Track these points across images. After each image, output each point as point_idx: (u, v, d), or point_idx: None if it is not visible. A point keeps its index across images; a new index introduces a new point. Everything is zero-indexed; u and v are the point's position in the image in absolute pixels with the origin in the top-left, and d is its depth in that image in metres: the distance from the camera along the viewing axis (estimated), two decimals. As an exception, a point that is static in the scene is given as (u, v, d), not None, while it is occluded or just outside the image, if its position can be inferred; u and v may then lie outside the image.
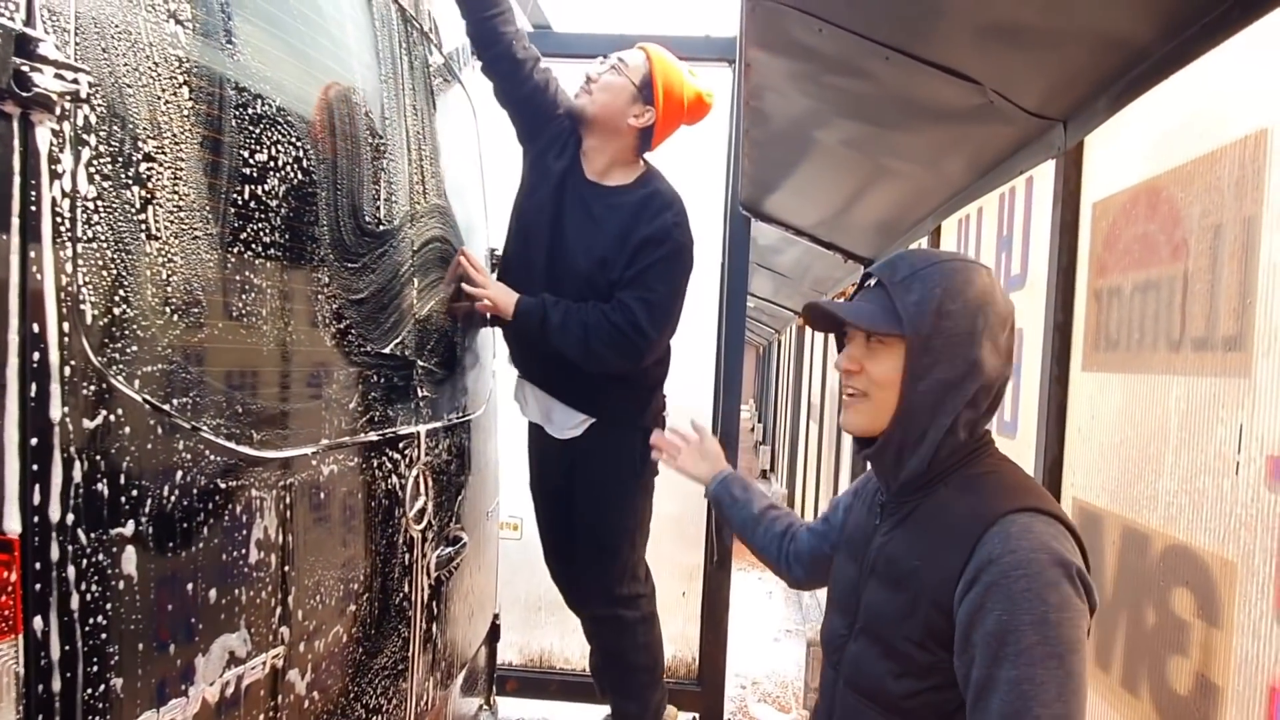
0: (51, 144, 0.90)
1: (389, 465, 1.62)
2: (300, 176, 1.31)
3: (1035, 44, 1.55)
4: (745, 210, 3.50)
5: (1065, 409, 1.79)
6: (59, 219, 0.90)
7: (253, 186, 1.20)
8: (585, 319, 2.27)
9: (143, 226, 1.01)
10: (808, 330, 7.91)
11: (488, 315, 2.28)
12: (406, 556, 1.72)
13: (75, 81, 0.91)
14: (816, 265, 5.24)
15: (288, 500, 1.28)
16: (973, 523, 1.13)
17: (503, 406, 2.62)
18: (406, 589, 1.72)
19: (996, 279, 1.24)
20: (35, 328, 0.88)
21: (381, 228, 1.59)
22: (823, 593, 1.89)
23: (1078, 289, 1.76)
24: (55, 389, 0.90)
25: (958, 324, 1.18)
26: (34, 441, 0.88)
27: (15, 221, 0.86)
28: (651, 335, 2.29)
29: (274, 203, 1.25)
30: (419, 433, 1.76)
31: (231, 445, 1.16)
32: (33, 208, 0.88)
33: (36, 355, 0.88)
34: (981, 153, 2.14)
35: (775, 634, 5.82)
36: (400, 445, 1.67)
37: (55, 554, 0.90)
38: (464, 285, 2.12)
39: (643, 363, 2.36)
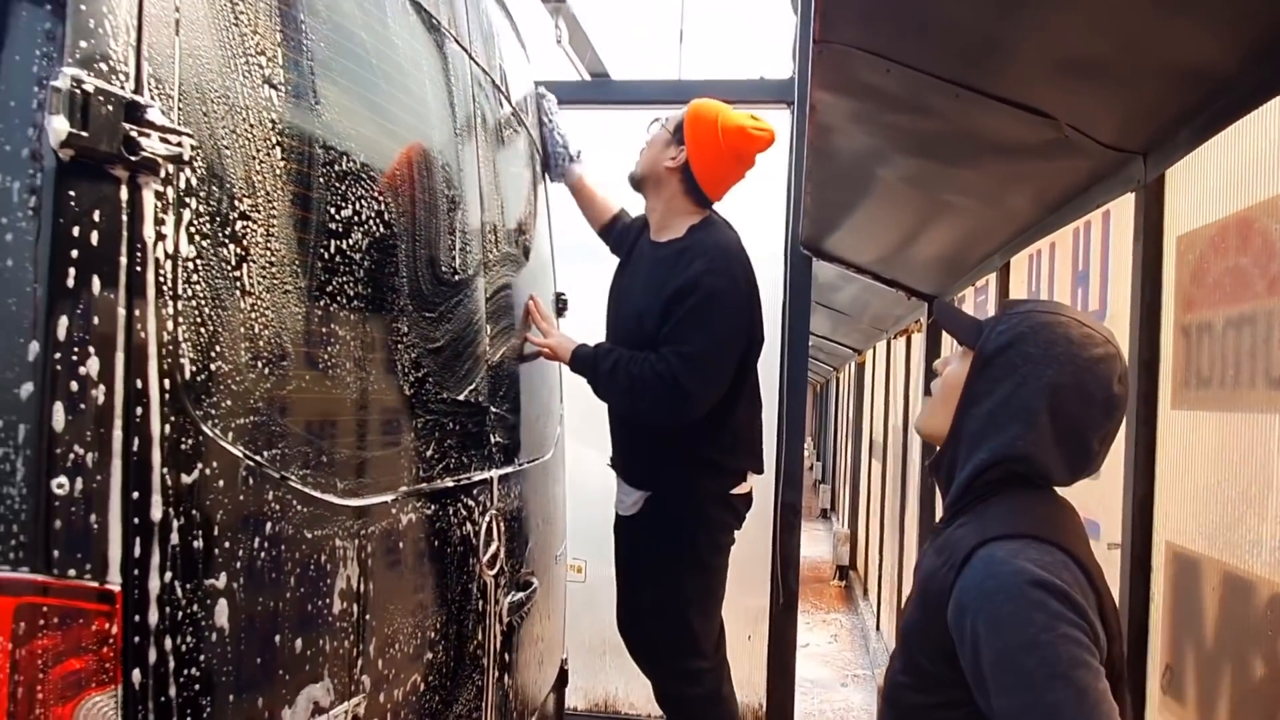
0: (156, 206, 0.93)
1: (464, 511, 1.62)
2: (382, 230, 1.34)
3: (1112, 77, 1.53)
4: (806, 250, 3.49)
5: (1154, 448, 1.73)
6: (161, 278, 0.93)
7: (338, 241, 1.23)
8: (632, 370, 2.27)
9: (237, 283, 1.04)
10: (868, 366, 7.81)
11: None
12: (480, 603, 1.72)
13: (179, 145, 0.94)
14: (876, 302, 5.19)
15: (369, 548, 1.29)
16: (965, 547, 1.13)
17: (568, 448, 2.63)
18: (480, 635, 1.72)
19: (1119, 368, 1.17)
20: (139, 384, 0.90)
21: (457, 277, 1.61)
22: (891, 637, 1.85)
23: (1163, 324, 1.70)
24: (156, 443, 0.92)
25: (1024, 366, 1.16)
26: (135, 495, 0.90)
27: (122, 281, 0.89)
28: (688, 388, 2.24)
29: (358, 256, 1.28)
30: (492, 478, 1.76)
31: (317, 494, 1.17)
32: (138, 268, 0.91)
33: (139, 410, 0.90)
34: (1051, 187, 2.10)
35: (843, 678, 5.68)
36: (474, 491, 1.67)
37: (153, 607, 0.92)
38: (529, 333, 2.16)
39: (685, 417, 2.32)
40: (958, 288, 3.42)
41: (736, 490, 2.54)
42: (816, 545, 9.91)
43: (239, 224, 1.05)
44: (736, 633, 3.65)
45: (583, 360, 2.31)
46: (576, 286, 3.09)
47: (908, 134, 2.12)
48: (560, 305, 2.49)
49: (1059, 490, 1.24)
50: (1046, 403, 1.15)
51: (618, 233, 2.68)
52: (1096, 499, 2.05)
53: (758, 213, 3.63)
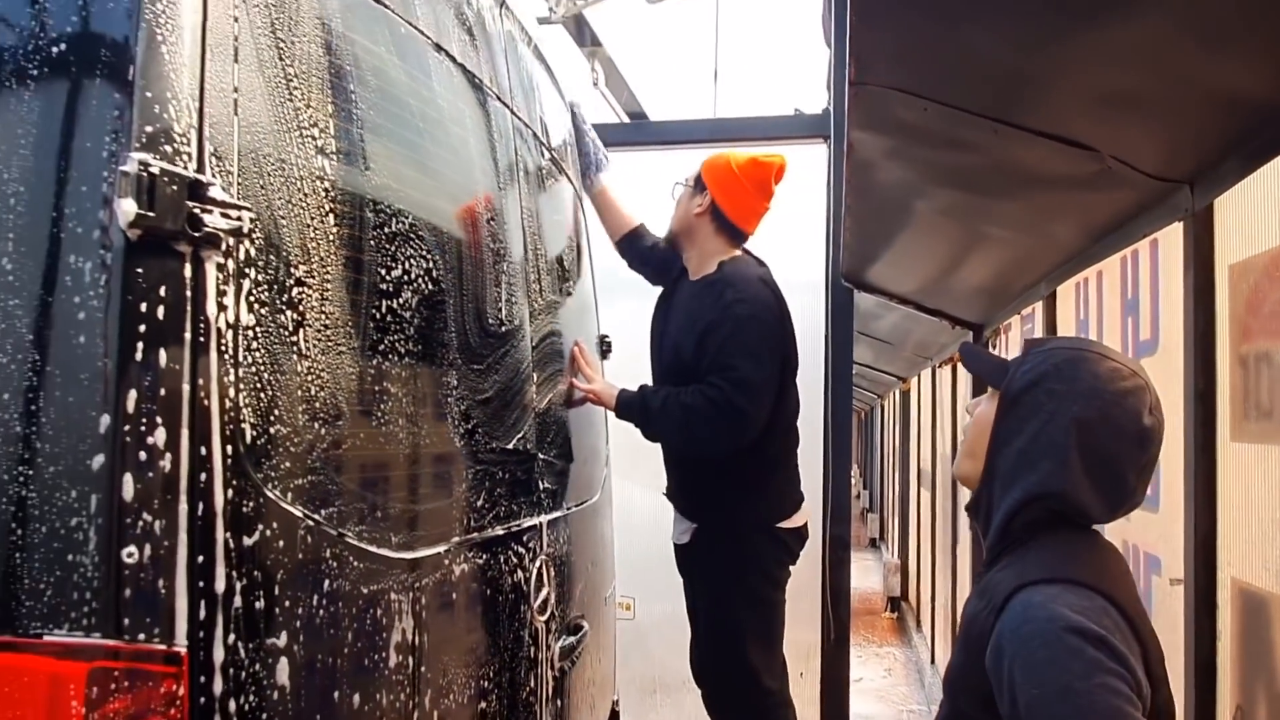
0: (217, 278, 0.96)
1: (514, 558, 1.64)
2: (431, 287, 1.37)
3: (1154, 109, 1.52)
4: (847, 282, 3.48)
5: (1214, 481, 1.68)
6: (223, 347, 0.96)
7: (389, 300, 1.26)
8: (684, 400, 2.32)
9: (294, 347, 1.07)
10: (913, 393, 7.72)
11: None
12: (531, 649, 1.72)
13: (239, 219, 0.98)
14: (918, 330, 5.14)
15: (423, 600, 1.31)
16: (1004, 591, 1.12)
17: (615, 484, 2.65)
18: (532, 682, 1.72)
19: (1149, 399, 1.16)
20: (203, 450, 0.93)
21: (504, 328, 1.64)
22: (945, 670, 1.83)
23: (1218, 355, 1.67)
24: (220, 507, 0.95)
25: (1050, 403, 1.16)
26: (200, 559, 0.92)
27: (186, 352, 0.93)
28: (742, 407, 2.29)
29: (408, 314, 1.31)
30: (541, 524, 1.78)
31: (372, 549, 1.19)
32: (201, 339, 0.94)
33: (204, 476, 0.93)
34: (1095, 217, 2.08)
35: (899, 715, 5.56)
36: (524, 537, 1.69)
37: (218, 667, 0.94)
38: (574, 379, 2.20)
39: (742, 438, 2.35)
40: (1003, 316, 3.38)
41: (786, 524, 2.55)
42: (866, 576, 9.75)
43: (295, 290, 1.08)
44: (788, 669, 3.61)
45: (628, 404, 2.35)
46: (621, 323, 3.12)
47: (945, 168, 2.12)
48: (604, 348, 2.51)
49: (1106, 528, 1.23)
50: (1075, 439, 1.14)
51: (637, 249, 2.77)
52: (1157, 534, 2.00)
53: (798, 246, 3.65)
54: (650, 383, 2.54)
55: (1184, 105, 1.46)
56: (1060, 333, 2.62)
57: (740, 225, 2.55)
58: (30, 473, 0.87)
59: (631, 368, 2.63)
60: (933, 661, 5.80)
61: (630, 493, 3.65)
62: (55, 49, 0.94)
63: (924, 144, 1.96)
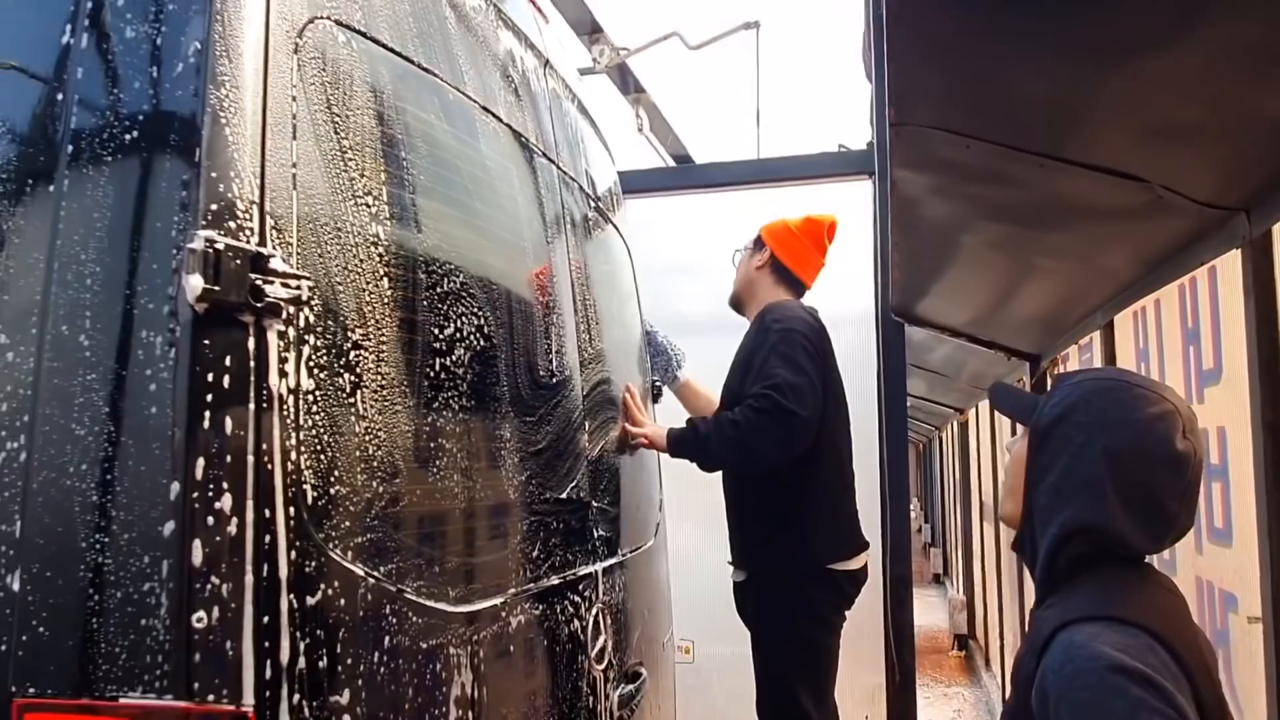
0: (279, 345, 1.00)
1: (570, 607, 1.64)
2: (482, 343, 1.40)
3: (1204, 138, 1.50)
4: (897, 316, 3.46)
5: (1289, 515, 1.63)
6: (284, 413, 1.00)
7: (442, 359, 1.30)
8: (734, 419, 2.35)
9: (352, 409, 1.10)
10: (971, 425, 7.58)
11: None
12: (590, 699, 1.72)
13: (298, 288, 1.02)
14: (973, 361, 5.06)
15: (481, 653, 1.32)
16: (1047, 630, 1.09)
17: (671, 525, 2.65)
18: (592, 732, 1.72)
19: (1180, 423, 1.14)
20: (266, 513, 0.96)
21: (555, 379, 1.66)
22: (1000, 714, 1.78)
23: (1286, 384, 1.62)
24: (284, 569, 0.97)
25: (1079, 435, 1.14)
26: (265, 620, 0.95)
27: (250, 419, 0.96)
28: (790, 408, 2.30)
29: (461, 370, 1.34)
30: (596, 571, 1.78)
31: (431, 604, 1.21)
32: (264, 405, 0.98)
33: (268, 539, 0.96)
34: (1149, 246, 2.04)
35: (968, 758, 5.38)
36: (580, 586, 1.69)
37: (284, 725, 0.96)
38: (626, 424, 2.22)
39: (801, 440, 2.36)
40: (1059, 346, 3.32)
41: (839, 565, 2.52)
42: (931, 613, 9.51)
43: (352, 353, 1.12)
44: (852, 714, 3.52)
45: (680, 440, 2.37)
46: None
47: (992, 203, 2.10)
48: (655, 393, 2.53)
49: (1178, 565, 1.19)
50: (1107, 470, 1.12)
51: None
52: (1232, 569, 1.93)
53: (847, 282, 3.64)
54: None
55: (1234, 132, 1.44)
56: (1120, 363, 2.57)
57: (800, 275, 2.67)
58: (106, 540, 0.90)
59: (678, 413, 2.65)
60: (1004, 700, 5.61)
61: (688, 534, 3.63)
62: (128, 135, 1.00)
63: (969, 180, 1.95)
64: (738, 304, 2.76)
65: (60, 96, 1.02)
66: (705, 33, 4.92)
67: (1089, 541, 1.15)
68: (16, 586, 0.91)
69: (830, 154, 3.89)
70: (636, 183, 4.34)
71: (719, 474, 2.66)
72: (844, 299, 3.67)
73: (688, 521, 3.64)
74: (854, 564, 2.56)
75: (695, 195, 4.18)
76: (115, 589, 0.89)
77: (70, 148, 1.00)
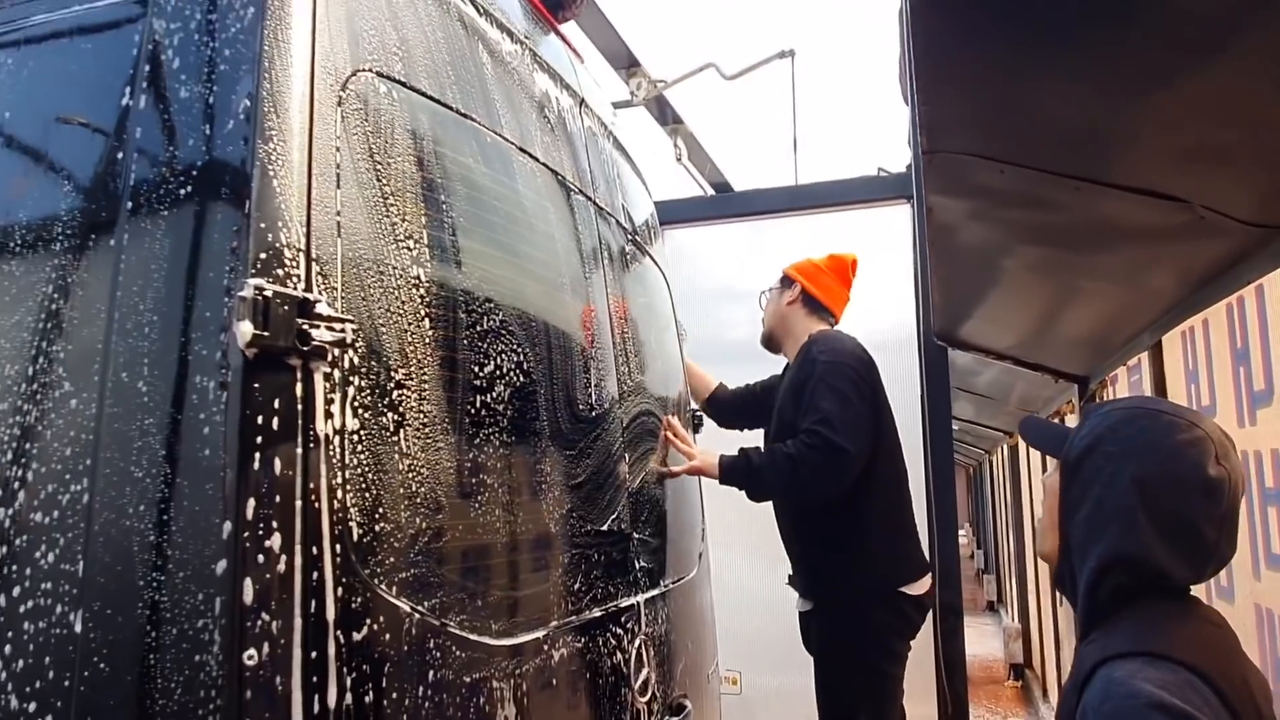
0: (325, 387, 1.04)
1: (612, 640, 1.65)
2: (522, 379, 1.43)
3: (1244, 157, 1.48)
4: (940, 340, 3.43)
5: (1350, 541, 1.58)
6: (330, 452, 1.03)
7: (483, 395, 1.33)
8: (788, 452, 2.38)
9: (396, 447, 1.13)
10: (1021, 448, 7.44)
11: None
12: (634, 731, 1.72)
13: (343, 330, 1.06)
14: (1020, 385, 4.99)
15: (524, 686, 1.33)
16: (1085, 669, 1.08)
17: (717, 557, 2.66)
18: (637, 766, 1.71)
19: (1212, 449, 1.12)
20: (314, 550, 0.99)
21: (594, 412, 1.69)
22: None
23: (1341, 405, 1.58)
24: (331, 605, 1.00)
25: (1109, 465, 1.14)
26: (314, 655, 0.98)
27: (298, 459, 1.00)
28: (840, 443, 2.34)
29: (501, 406, 1.36)
30: (638, 603, 1.79)
31: (473, 637, 1.23)
32: (311, 445, 1.01)
33: (316, 575, 0.99)
34: (1193, 266, 2.01)
35: (1028, 792, 5.22)
36: (622, 618, 1.70)
37: (333, 758, 0.99)
38: (671, 453, 2.25)
39: (849, 473, 2.40)
40: (1107, 367, 3.26)
41: (906, 589, 2.52)
42: (985, 642, 9.29)
43: (395, 393, 1.15)
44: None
45: (731, 468, 2.40)
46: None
47: (1030, 226, 2.09)
48: (696, 422, 2.54)
49: (1236, 593, 1.17)
50: (1138, 498, 1.12)
51: (722, 403, 3.02)
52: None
53: (888, 306, 3.63)
54: None
55: (1273, 151, 1.42)
56: (1169, 384, 2.52)
57: (830, 307, 2.74)
58: (163, 578, 0.94)
59: (719, 440, 2.66)
60: (1063, 734, 5.45)
61: (734, 564, 3.62)
62: (183, 190, 1.05)
63: (1005, 205, 1.95)
64: (771, 342, 2.83)
65: (120, 155, 1.08)
66: (741, 63, 4.96)
67: (1128, 574, 1.14)
68: (79, 625, 0.95)
69: (868, 179, 3.88)
70: (676, 212, 4.39)
71: (767, 503, 2.67)
72: (885, 323, 3.66)
73: (735, 551, 3.62)
74: (920, 587, 2.57)
75: (734, 223, 4.22)
76: (171, 626, 0.93)
77: (130, 203, 1.06)
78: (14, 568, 0.99)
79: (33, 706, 0.95)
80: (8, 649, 0.97)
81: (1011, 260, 2.50)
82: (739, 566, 3.67)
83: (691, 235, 4.46)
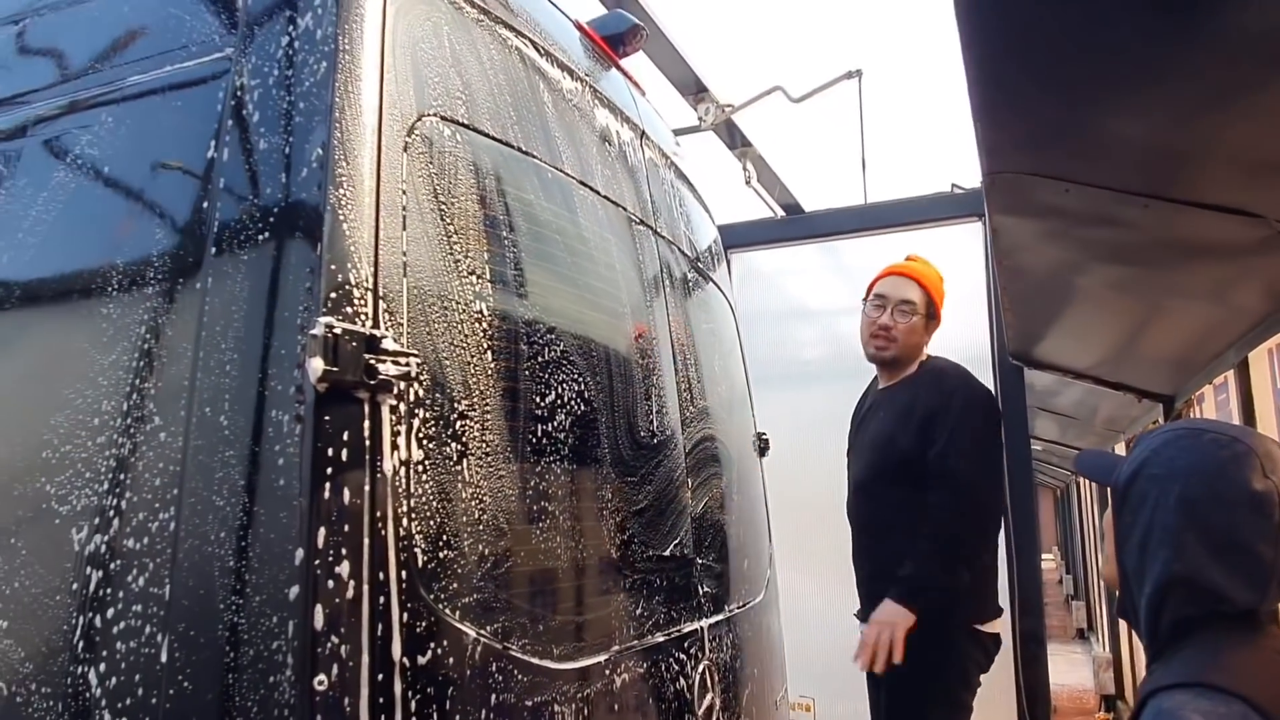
0: (391, 419, 1.09)
1: (675, 665, 1.66)
2: (584, 408, 1.47)
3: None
4: (1015, 359, 3.35)
5: None
6: (397, 482, 1.08)
7: (544, 425, 1.36)
8: (936, 544, 2.37)
9: (459, 476, 1.18)
10: (1109, 469, 7.17)
11: None
12: (699, 758, 1.72)
13: (408, 364, 1.11)
14: (1105, 405, 4.82)
15: (585, 711, 1.36)
16: (1141, 699, 1.07)
17: (788, 582, 2.64)
18: (702, 792, 1.71)
19: (1257, 463, 1.10)
20: (381, 576, 1.04)
21: (656, 439, 1.71)
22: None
23: None
24: (397, 629, 1.04)
25: (1154, 489, 1.12)
26: (379, 678, 1.02)
27: (366, 488, 1.05)
28: (986, 472, 2.39)
29: (562, 435, 1.40)
30: (702, 628, 1.80)
31: (535, 661, 1.26)
32: (378, 475, 1.06)
33: (382, 600, 1.04)
34: (1276, 280, 1.94)
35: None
36: (685, 643, 1.71)
37: (399, 779, 1.02)
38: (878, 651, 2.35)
39: (1001, 511, 2.45)
40: (1193, 386, 3.14)
41: (984, 627, 2.50)
42: (1075, 670, 8.94)
43: (459, 423, 1.19)
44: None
45: (917, 595, 2.38)
46: (781, 417, 3.13)
47: (1103, 245, 2.05)
48: (762, 446, 2.54)
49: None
50: (1186, 519, 1.10)
51: None
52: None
53: (962, 325, 3.56)
54: (846, 488, 2.71)
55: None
56: (1256, 401, 2.43)
57: None
58: (240, 601, 1.00)
59: (790, 462, 2.65)
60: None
61: (806, 588, 3.58)
62: (260, 235, 1.12)
63: (1074, 224, 1.91)
64: (889, 364, 2.72)
65: (205, 203, 1.16)
66: (808, 84, 4.96)
67: (1186, 599, 1.12)
68: (165, 645, 1.01)
69: (939, 197, 3.84)
70: (745, 235, 4.40)
71: (844, 526, 2.67)
72: (959, 342, 3.59)
73: (806, 575, 3.59)
74: (995, 626, 2.55)
75: (804, 245, 4.21)
76: (248, 647, 0.98)
77: (214, 248, 1.13)
78: (108, 590, 1.06)
79: (124, 722, 1.01)
80: (102, 667, 1.04)
81: (1087, 279, 2.45)
82: (813, 591, 3.63)
83: (761, 257, 4.47)
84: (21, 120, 1.35)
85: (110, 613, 1.05)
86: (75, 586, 1.08)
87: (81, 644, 1.06)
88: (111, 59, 1.31)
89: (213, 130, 1.18)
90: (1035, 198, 1.75)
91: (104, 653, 1.04)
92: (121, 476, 1.09)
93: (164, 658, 1.01)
